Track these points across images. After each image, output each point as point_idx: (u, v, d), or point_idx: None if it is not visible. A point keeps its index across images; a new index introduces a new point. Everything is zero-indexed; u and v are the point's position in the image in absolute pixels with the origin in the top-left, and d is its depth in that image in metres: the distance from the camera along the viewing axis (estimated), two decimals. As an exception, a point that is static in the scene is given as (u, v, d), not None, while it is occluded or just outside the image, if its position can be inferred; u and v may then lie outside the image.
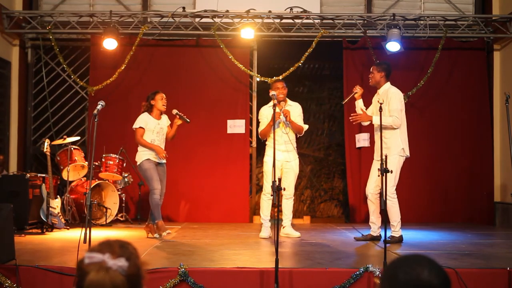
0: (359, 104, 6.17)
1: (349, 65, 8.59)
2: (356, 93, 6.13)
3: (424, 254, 1.60)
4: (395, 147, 5.85)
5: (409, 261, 1.58)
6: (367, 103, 6.25)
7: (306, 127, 6.43)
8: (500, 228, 8.13)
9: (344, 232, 6.99)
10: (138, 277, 1.58)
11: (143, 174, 6.29)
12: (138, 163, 6.25)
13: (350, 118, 6.18)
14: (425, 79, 8.33)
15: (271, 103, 6.49)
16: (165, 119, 6.37)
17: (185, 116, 6.28)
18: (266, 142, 6.52)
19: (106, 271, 1.51)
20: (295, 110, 6.39)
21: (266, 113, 6.44)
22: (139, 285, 1.59)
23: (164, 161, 6.33)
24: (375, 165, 6.10)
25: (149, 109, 6.28)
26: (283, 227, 6.43)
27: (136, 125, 6.22)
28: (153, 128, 6.20)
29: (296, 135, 6.45)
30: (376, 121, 5.78)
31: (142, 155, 6.19)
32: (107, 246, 1.58)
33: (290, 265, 4.47)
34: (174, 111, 6.31)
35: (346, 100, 6.24)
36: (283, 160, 6.29)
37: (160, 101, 6.27)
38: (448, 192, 8.45)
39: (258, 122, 6.67)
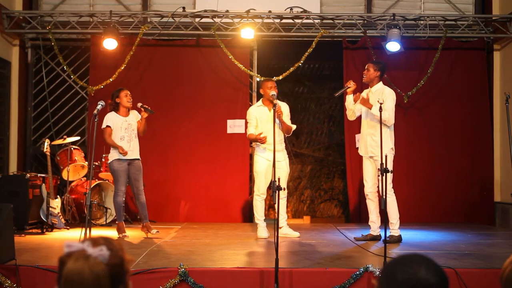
0: (350, 99, 6.19)
1: (349, 65, 8.59)
2: (349, 87, 6.15)
3: (422, 253, 1.60)
4: (385, 145, 5.85)
5: (406, 260, 1.58)
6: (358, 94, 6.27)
7: (294, 127, 6.42)
8: (500, 228, 8.12)
9: (344, 232, 6.99)
10: (121, 269, 1.49)
11: (111, 174, 6.39)
12: (108, 161, 6.37)
13: (355, 98, 6.13)
14: (425, 79, 8.33)
15: (259, 103, 6.50)
16: (133, 115, 6.41)
17: (149, 108, 6.32)
18: (250, 139, 6.50)
19: (85, 259, 1.41)
20: (284, 110, 6.35)
21: (255, 113, 6.39)
22: (123, 279, 1.50)
23: (137, 157, 6.34)
24: (367, 163, 6.12)
25: (115, 108, 6.33)
26: (280, 228, 6.40)
27: (103, 125, 6.27)
28: (121, 125, 6.26)
29: (284, 135, 6.43)
30: (374, 111, 5.81)
31: (113, 155, 6.27)
32: (89, 238, 1.50)
33: (290, 265, 4.47)
34: (139, 104, 6.36)
35: (338, 93, 6.24)
36: (275, 160, 6.25)
37: (124, 98, 6.31)
38: (448, 192, 8.45)
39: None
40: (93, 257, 1.42)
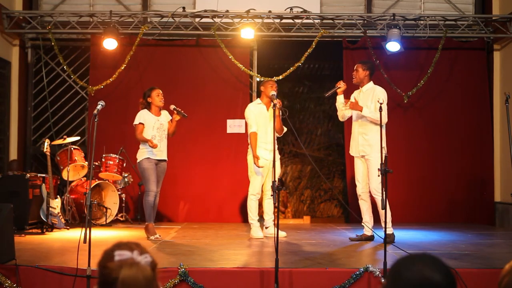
0: (340, 99, 6.17)
1: (349, 65, 8.57)
2: (339, 88, 6.12)
3: (429, 253, 1.60)
4: (377, 145, 5.83)
5: (413, 259, 1.58)
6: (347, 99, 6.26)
7: (285, 129, 6.41)
8: (500, 228, 8.13)
9: (344, 232, 6.99)
10: (155, 273, 1.71)
11: (141, 173, 6.24)
12: (138, 160, 6.21)
13: (345, 104, 6.13)
14: (425, 79, 8.33)
15: (258, 101, 6.50)
16: (164, 115, 6.33)
17: (182, 111, 6.25)
18: (250, 142, 6.44)
19: (137, 266, 1.61)
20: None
21: (254, 110, 6.37)
22: (156, 281, 1.72)
23: (165, 158, 6.27)
24: (359, 163, 6.09)
25: (147, 106, 6.25)
26: (266, 228, 6.40)
27: (135, 121, 6.19)
28: (153, 124, 6.17)
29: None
30: (365, 113, 5.82)
31: (143, 153, 6.14)
32: (126, 245, 1.68)
33: (290, 265, 4.46)
34: (172, 107, 6.29)
35: (329, 93, 6.22)
36: (270, 160, 6.23)
37: (156, 97, 6.24)
38: (448, 192, 8.44)
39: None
40: (142, 264, 1.63)
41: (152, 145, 6.01)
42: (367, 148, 5.92)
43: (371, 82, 6.15)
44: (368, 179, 6.01)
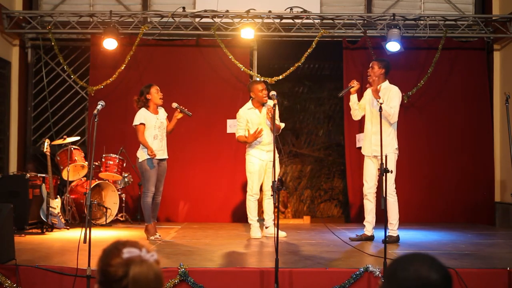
0: (353, 98, 6.15)
1: (349, 65, 8.58)
2: (353, 87, 6.09)
3: (425, 252, 1.60)
4: (390, 145, 5.86)
5: (408, 259, 1.59)
6: (359, 97, 6.26)
7: (282, 125, 6.37)
8: (500, 228, 8.13)
9: (344, 232, 6.99)
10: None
11: (142, 173, 6.13)
12: (139, 160, 6.06)
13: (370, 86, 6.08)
14: (425, 79, 8.33)
15: (249, 105, 6.44)
16: (162, 112, 6.19)
17: (186, 109, 6.13)
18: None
19: (147, 264, 1.62)
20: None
21: (245, 116, 6.33)
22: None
23: (166, 156, 6.18)
24: (369, 163, 6.08)
25: (145, 104, 6.08)
26: (266, 227, 6.40)
27: (136, 121, 6.01)
28: (154, 123, 6.03)
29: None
30: (383, 105, 5.67)
31: (144, 153, 5.99)
32: (128, 242, 1.67)
33: (290, 265, 4.47)
34: (174, 105, 6.14)
35: (342, 93, 6.21)
36: (267, 160, 6.24)
37: (156, 94, 6.08)
38: (448, 192, 8.44)
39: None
40: (150, 261, 1.64)
41: (151, 155, 5.92)
42: (379, 148, 5.89)
43: (387, 81, 6.11)
44: (376, 180, 6.01)
